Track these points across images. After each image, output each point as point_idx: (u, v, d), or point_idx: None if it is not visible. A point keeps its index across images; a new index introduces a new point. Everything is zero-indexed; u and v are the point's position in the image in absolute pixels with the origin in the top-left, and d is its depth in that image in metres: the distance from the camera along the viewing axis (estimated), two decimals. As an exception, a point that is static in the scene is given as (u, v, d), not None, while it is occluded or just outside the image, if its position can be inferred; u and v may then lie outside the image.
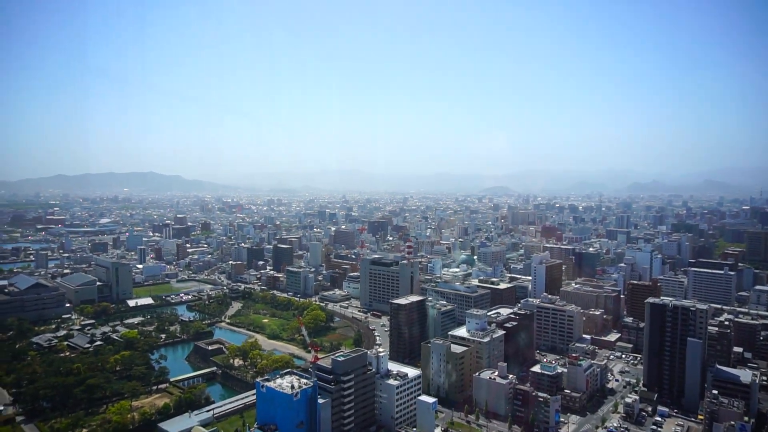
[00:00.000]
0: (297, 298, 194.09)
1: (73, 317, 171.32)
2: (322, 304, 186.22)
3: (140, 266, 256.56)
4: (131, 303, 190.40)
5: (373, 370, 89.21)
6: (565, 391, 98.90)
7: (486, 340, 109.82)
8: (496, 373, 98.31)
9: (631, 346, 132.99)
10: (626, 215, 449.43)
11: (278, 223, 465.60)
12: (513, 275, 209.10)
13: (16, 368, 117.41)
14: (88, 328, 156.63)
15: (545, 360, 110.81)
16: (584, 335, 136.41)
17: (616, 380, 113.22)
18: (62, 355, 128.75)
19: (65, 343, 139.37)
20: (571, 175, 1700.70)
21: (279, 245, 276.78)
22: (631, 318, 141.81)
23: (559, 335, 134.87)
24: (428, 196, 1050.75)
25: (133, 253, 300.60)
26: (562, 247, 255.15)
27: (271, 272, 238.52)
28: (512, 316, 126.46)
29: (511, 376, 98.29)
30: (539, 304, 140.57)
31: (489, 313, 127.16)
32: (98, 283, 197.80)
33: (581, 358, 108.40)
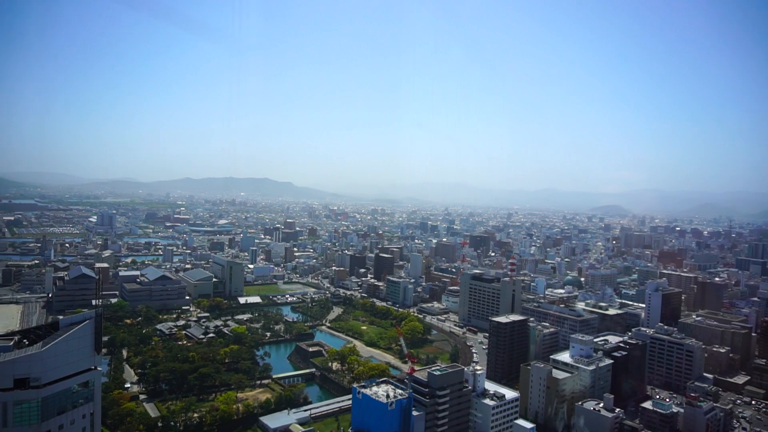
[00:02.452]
0: (396, 308, 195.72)
1: (191, 309, 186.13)
2: (420, 315, 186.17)
3: (251, 266, 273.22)
4: (242, 300, 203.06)
5: (470, 387, 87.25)
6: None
7: (591, 368, 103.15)
8: (601, 404, 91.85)
9: (763, 391, 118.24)
10: (762, 243, 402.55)
11: (381, 232, 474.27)
12: (624, 301, 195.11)
13: (143, 351, 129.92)
14: (203, 320, 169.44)
15: (658, 396, 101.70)
16: (705, 374, 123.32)
17: (743, 429, 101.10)
18: (180, 343, 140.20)
19: (183, 332, 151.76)
20: (693, 196, 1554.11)
21: (381, 254, 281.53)
22: (765, 360, 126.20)
23: (675, 371, 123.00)
24: (534, 213, 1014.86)
25: (245, 253, 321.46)
26: (683, 274, 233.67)
27: (372, 280, 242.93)
28: (622, 345, 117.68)
29: (617, 409, 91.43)
30: (653, 335, 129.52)
31: (595, 340, 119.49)
32: (214, 280, 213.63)
33: (701, 399, 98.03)
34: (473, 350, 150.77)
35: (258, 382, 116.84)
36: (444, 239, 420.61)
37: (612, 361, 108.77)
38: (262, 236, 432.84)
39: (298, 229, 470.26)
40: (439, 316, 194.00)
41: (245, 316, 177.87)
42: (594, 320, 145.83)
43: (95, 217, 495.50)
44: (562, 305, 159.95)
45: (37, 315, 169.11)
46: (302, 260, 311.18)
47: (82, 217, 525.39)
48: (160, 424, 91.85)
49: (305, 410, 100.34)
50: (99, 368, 54.27)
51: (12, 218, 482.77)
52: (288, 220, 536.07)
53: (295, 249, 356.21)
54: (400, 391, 78.88)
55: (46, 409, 47.28)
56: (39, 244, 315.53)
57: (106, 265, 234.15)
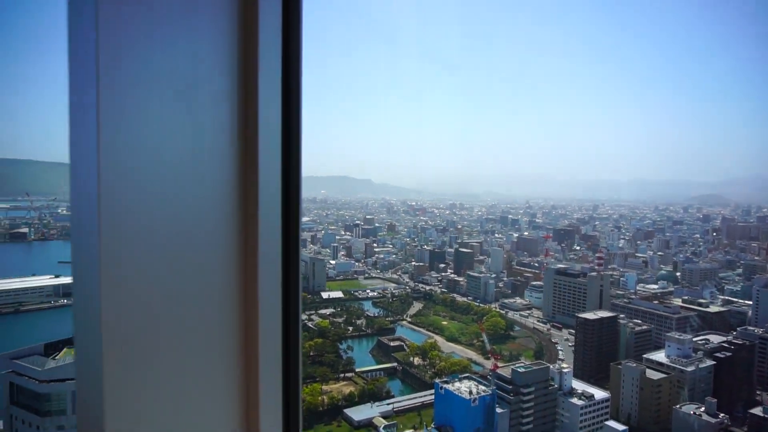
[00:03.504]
0: (477, 303, 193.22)
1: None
2: (501, 311, 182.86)
3: (333, 262, 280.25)
4: (324, 295, 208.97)
5: (556, 386, 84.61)
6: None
7: (690, 369, 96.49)
8: (703, 408, 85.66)
9: None
10: None
11: (460, 227, 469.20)
12: (727, 298, 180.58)
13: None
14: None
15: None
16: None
17: None
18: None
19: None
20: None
21: (460, 249, 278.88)
22: None
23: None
24: (622, 204, 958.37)
25: (327, 249, 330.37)
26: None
27: (452, 275, 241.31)
28: (725, 345, 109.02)
29: (722, 415, 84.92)
30: (763, 335, 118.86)
31: (695, 339, 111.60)
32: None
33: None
34: (558, 347, 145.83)
35: (341, 375, 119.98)
36: (525, 233, 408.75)
37: (714, 363, 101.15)
38: (343, 233, 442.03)
39: (377, 225, 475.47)
40: (522, 312, 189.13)
41: (328, 311, 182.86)
42: (692, 318, 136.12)
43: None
44: (656, 302, 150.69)
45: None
46: (382, 256, 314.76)
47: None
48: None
49: (388, 404, 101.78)
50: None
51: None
52: (367, 217, 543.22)
53: (375, 245, 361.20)
54: (483, 388, 78.00)
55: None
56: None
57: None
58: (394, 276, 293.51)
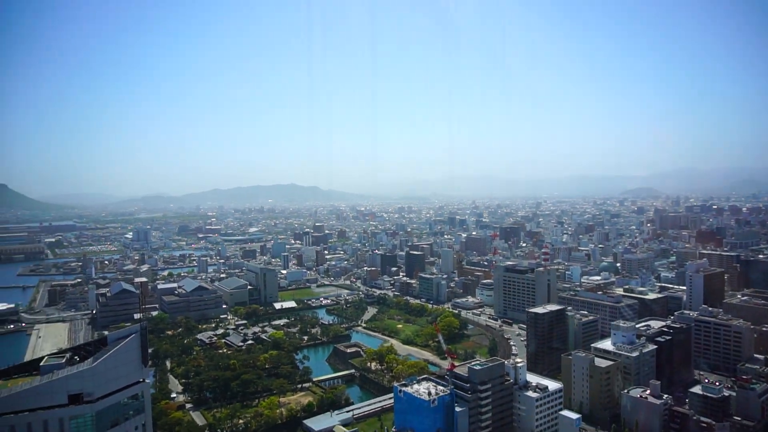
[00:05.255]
0: (430, 305, 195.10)
1: (229, 317, 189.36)
2: (454, 311, 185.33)
3: (284, 272, 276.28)
4: (277, 306, 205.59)
5: (511, 380, 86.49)
6: (735, 417, 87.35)
7: (635, 354, 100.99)
8: (648, 391, 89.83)
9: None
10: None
11: (409, 230, 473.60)
12: (663, 285, 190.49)
13: (185, 361, 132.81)
14: (241, 327, 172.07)
15: (706, 381, 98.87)
16: (756, 355, 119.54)
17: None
18: (220, 351, 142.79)
19: (223, 340, 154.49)
20: (730, 173, 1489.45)
21: (411, 252, 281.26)
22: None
23: (723, 354, 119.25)
24: (563, 200, 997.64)
25: (277, 259, 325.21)
26: (724, 253, 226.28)
27: (404, 278, 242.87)
28: (665, 329, 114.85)
29: (665, 396, 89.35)
30: (698, 318, 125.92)
31: (637, 326, 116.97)
32: (249, 287, 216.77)
33: (754, 381, 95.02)
34: (511, 343, 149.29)
35: (299, 386, 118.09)
36: (473, 233, 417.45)
37: (656, 347, 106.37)
38: (293, 241, 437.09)
39: (327, 232, 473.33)
40: (474, 311, 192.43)
41: (282, 321, 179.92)
42: (633, 306, 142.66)
43: (131, 233, 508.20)
44: (600, 292, 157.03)
45: (84, 331, 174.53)
46: (334, 263, 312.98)
47: (118, 235, 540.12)
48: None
49: (348, 411, 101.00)
50: (147, 380, 55.79)
51: (53, 240, 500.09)
52: (317, 224, 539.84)
53: (326, 252, 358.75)
54: (441, 388, 78.68)
55: (100, 423, 48.86)
56: (80, 263, 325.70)
57: (144, 279, 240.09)
58: (347, 282, 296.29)
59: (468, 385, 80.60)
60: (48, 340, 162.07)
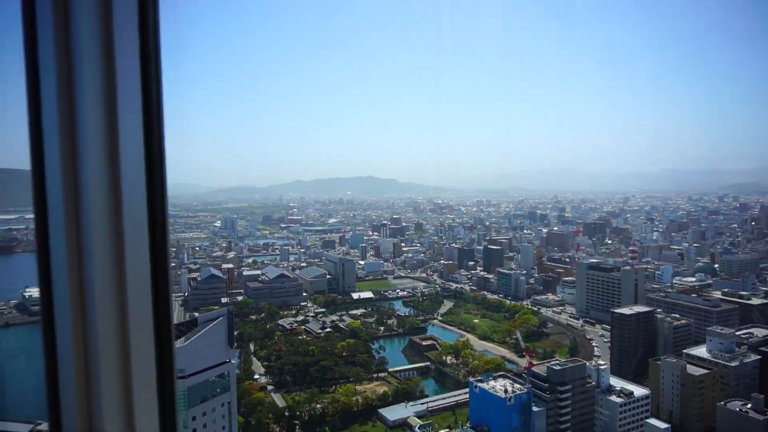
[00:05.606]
0: (508, 301, 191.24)
1: (308, 305, 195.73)
2: (534, 308, 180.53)
3: (362, 262, 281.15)
4: (354, 295, 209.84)
5: (593, 383, 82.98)
6: None
7: (734, 364, 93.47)
8: (749, 405, 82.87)
9: None
10: None
11: (487, 224, 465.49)
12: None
13: (267, 345, 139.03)
14: (320, 315, 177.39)
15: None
16: None
17: None
18: (300, 337, 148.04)
19: (303, 327, 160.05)
20: None
21: (489, 246, 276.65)
22: None
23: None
24: (654, 195, 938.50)
25: (355, 250, 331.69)
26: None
27: (482, 273, 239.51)
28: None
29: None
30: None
31: (738, 333, 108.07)
32: (328, 276, 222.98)
33: None
34: (594, 344, 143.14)
35: (374, 375, 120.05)
36: (555, 228, 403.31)
37: (759, 357, 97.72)
38: (370, 233, 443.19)
39: (404, 224, 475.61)
40: (554, 309, 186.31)
41: (359, 311, 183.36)
42: (733, 311, 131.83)
43: (219, 222, 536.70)
44: (694, 295, 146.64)
45: (177, 312, 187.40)
46: (410, 255, 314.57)
47: (207, 223, 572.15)
48: (287, 414, 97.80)
49: (422, 403, 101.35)
50: (233, 361, 58.97)
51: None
52: (394, 216, 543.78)
53: (403, 244, 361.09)
54: (518, 386, 76.93)
55: (191, 398, 52.31)
56: (174, 249, 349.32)
57: (231, 265, 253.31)
58: (423, 275, 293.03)
59: (546, 385, 78.25)
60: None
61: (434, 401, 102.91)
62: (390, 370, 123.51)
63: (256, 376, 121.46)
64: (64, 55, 2.51)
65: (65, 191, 2.55)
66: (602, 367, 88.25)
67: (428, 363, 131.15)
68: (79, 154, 2.58)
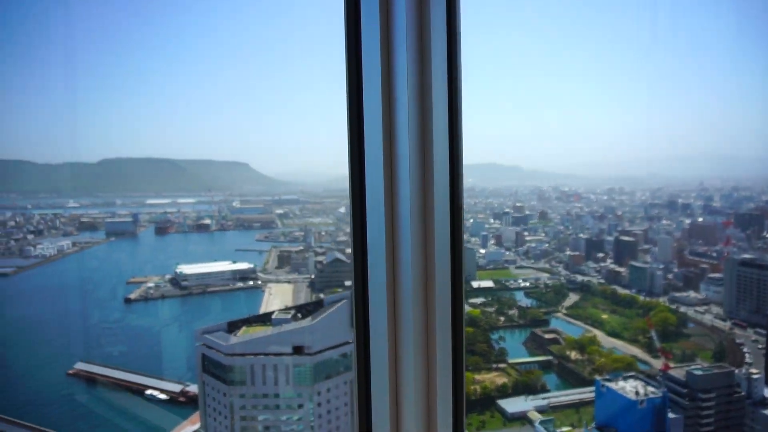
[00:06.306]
0: (641, 297, 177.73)
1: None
2: (671, 305, 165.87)
3: (482, 251, 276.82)
4: (474, 284, 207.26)
5: (743, 393, 74.40)
6: None
7: None
8: None
9: None
10: None
11: (620, 213, 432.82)
12: None
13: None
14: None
15: None
16: None
17: None
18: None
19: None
20: None
21: (621, 237, 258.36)
22: None
23: None
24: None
25: (476, 238, 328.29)
26: None
27: (612, 266, 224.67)
28: None
29: None
30: None
31: None
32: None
33: None
34: (745, 350, 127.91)
35: (494, 365, 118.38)
36: (699, 219, 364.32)
37: None
38: (492, 221, 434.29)
39: (527, 212, 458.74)
40: (696, 308, 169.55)
41: (479, 300, 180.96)
42: None
43: (343, 207, 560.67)
44: None
45: (304, 293, 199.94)
46: (533, 245, 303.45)
47: (332, 208, 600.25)
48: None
49: (543, 398, 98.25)
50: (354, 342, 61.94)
51: (281, 211, 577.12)
52: (517, 204, 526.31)
53: (526, 233, 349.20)
54: (651, 389, 71.40)
55: (317, 374, 55.83)
56: (302, 233, 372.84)
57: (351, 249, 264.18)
58: (547, 266, 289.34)
59: (685, 390, 71.57)
60: (277, 297, 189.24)
61: (556, 397, 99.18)
62: (510, 361, 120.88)
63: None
64: (386, 53, 2.62)
65: (385, 187, 2.66)
66: (755, 376, 78.60)
67: (550, 357, 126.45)
68: (396, 150, 2.66)
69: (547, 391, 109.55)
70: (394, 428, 2.76)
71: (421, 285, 2.72)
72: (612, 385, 72.53)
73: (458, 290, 2.89)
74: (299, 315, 63.92)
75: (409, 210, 2.66)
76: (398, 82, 2.64)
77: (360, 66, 2.72)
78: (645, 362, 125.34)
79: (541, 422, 78.61)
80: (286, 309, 68.53)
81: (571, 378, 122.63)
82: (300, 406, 55.82)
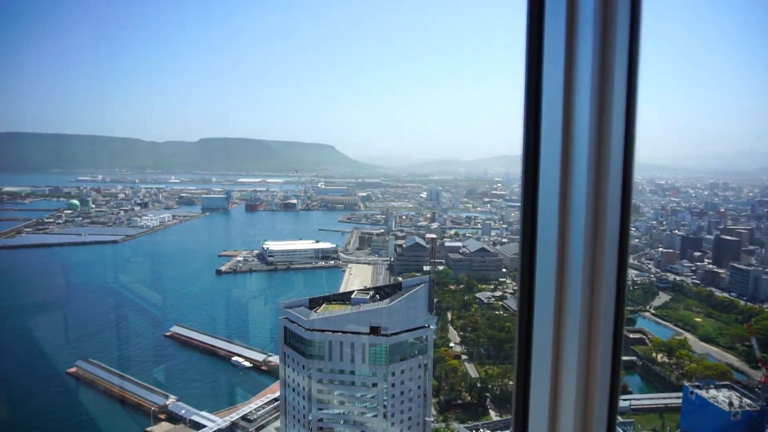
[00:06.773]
0: (742, 301, 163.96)
1: (507, 282, 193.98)
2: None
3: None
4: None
5: None
6: None
7: None
8: None
9: None
10: None
11: (722, 210, 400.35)
12: None
13: (464, 316, 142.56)
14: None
15: None
16: None
17: None
18: (497, 312, 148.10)
19: (500, 303, 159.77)
20: None
21: (722, 236, 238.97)
22: None
23: None
24: None
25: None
26: None
27: (710, 266, 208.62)
28: None
29: None
30: None
31: None
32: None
33: None
34: None
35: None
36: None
37: None
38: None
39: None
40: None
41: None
42: None
43: (425, 193, 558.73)
44: None
45: (383, 275, 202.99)
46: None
47: (414, 193, 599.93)
48: (479, 385, 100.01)
49: (624, 399, 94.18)
50: (431, 326, 62.25)
51: (364, 194, 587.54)
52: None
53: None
54: (747, 401, 66.26)
55: (392, 355, 56.94)
56: (383, 216, 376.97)
57: (434, 235, 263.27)
58: (636, 262, 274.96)
59: (788, 406, 65.89)
60: (357, 277, 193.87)
61: (638, 399, 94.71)
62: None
63: (452, 344, 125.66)
64: (569, 51, 2.57)
65: (561, 186, 2.63)
66: None
67: (634, 357, 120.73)
68: (573, 147, 2.60)
69: (630, 392, 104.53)
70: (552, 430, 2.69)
71: (588, 287, 2.61)
72: (702, 393, 68.20)
73: (621, 290, 2.77)
74: (377, 296, 65.19)
75: (583, 210, 2.60)
76: (580, 81, 2.55)
77: (540, 61, 2.65)
78: (742, 372, 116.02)
79: (620, 424, 75.51)
80: (365, 289, 70.26)
81: (656, 381, 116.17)
82: (374, 384, 57.24)
